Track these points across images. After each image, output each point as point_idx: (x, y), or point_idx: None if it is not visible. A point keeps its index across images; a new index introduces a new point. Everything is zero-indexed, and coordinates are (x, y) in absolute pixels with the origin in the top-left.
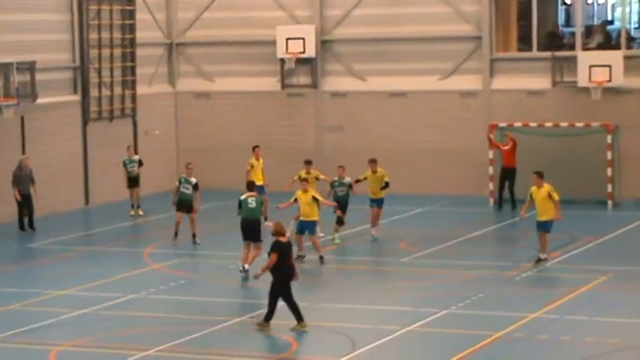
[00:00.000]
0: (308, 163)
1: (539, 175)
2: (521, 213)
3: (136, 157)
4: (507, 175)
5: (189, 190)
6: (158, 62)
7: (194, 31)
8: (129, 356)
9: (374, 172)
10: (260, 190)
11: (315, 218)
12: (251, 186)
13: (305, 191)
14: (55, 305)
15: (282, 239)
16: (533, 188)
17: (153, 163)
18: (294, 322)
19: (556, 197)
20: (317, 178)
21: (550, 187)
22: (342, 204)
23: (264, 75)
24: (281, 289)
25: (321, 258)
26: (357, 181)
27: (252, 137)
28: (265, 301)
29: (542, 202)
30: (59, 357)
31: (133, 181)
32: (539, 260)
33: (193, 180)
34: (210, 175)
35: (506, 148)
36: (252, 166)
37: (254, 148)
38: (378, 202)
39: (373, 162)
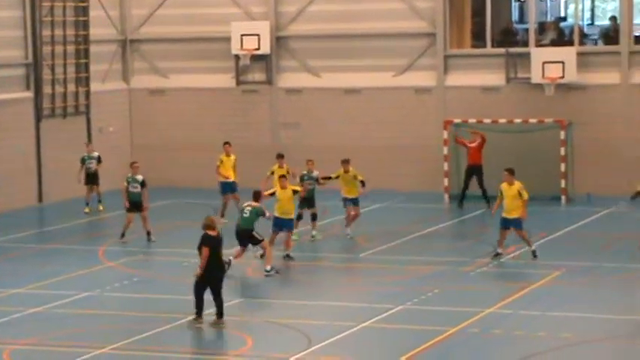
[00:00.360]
0: (280, 157)
1: (511, 172)
2: (492, 210)
3: (95, 154)
4: (474, 172)
5: (137, 189)
6: (112, 59)
7: (148, 27)
8: (83, 354)
9: (346, 171)
10: (232, 186)
11: (293, 216)
12: (256, 196)
13: (284, 188)
14: (7, 304)
15: (212, 233)
16: (504, 185)
17: (107, 161)
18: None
19: (525, 196)
20: (288, 172)
21: (520, 186)
22: (309, 199)
23: (218, 71)
24: (214, 281)
25: (287, 256)
26: (326, 178)
27: (208, 134)
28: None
29: (512, 200)
30: (12, 356)
31: (91, 178)
32: (497, 255)
33: (140, 177)
34: (165, 172)
35: (472, 145)
36: (222, 162)
37: (224, 144)
38: (353, 201)
39: (346, 162)
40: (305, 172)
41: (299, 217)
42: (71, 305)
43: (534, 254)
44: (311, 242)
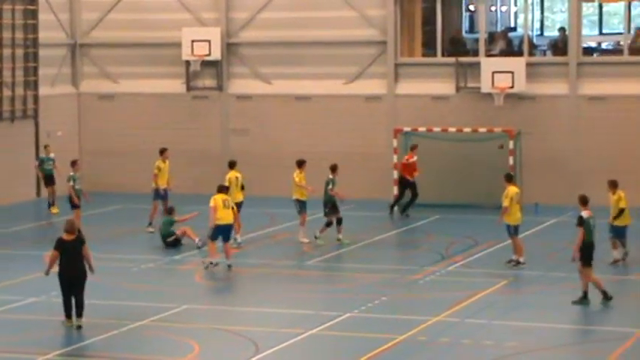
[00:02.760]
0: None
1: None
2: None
3: (52, 155)
4: (410, 185)
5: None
6: (61, 63)
7: (98, 32)
8: None
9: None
10: (163, 194)
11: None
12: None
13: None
14: None
15: (66, 237)
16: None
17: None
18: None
19: (504, 202)
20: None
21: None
22: (333, 205)
23: (169, 77)
24: (64, 284)
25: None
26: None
27: (157, 139)
28: (166, 305)
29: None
30: None
31: (48, 179)
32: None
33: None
34: (113, 177)
35: (413, 160)
36: (160, 169)
37: (162, 151)
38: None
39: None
40: (331, 176)
41: (329, 224)
42: (17, 311)
43: (516, 262)
44: (340, 246)
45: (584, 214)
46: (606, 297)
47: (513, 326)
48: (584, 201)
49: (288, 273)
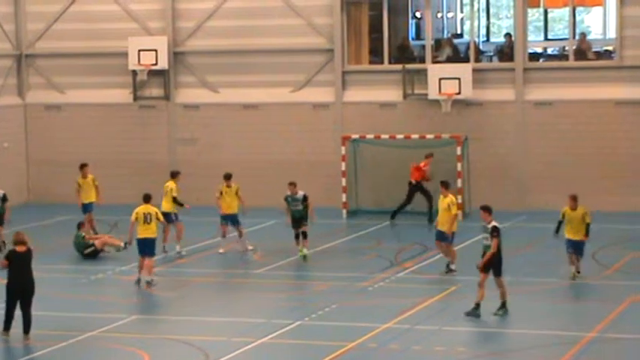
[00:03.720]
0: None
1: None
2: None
3: None
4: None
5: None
6: (7, 74)
7: (44, 42)
8: None
9: (229, 186)
10: (88, 207)
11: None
12: None
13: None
14: None
15: (19, 249)
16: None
17: (3, 177)
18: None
19: (453, 210)
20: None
21: (450, 199)
22: (298, 219)
23: (115, 87)
24: (12, 296)
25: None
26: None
27: (105, 149)
28: (115, 315)
29: (442, 214)
30: None
31: None
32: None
33: (1, 192)
34: (61, 188)
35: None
36: (80, 185)
37: (81, 166)
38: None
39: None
40: (289, 193)
41: (297, 236)
42: None
43: (448, 268)
44: (301, 260)
45: (497, 224)
46: (504, 306)
47: (463, 332)
48: (490, 210)
49: (238, 282)
